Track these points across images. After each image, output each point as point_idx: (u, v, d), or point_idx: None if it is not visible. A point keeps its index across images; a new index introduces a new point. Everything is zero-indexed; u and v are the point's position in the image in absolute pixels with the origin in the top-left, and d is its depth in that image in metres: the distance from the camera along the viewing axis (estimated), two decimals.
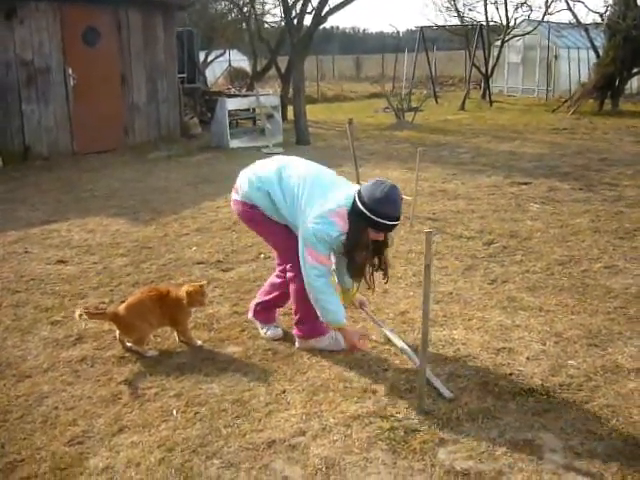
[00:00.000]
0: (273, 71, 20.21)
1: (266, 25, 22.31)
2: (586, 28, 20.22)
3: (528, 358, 3.77)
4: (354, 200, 3.57)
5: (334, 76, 33.63)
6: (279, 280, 4.15)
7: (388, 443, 3.00)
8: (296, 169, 3.85)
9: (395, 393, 3.42)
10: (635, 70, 18.86)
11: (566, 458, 2.86)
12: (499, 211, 7.09)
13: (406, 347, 3.79)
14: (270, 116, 13.28)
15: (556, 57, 23.49)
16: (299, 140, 12.95)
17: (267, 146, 12.31)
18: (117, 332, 4.00)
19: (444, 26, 25.74)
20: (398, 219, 3.61)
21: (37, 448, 3.06)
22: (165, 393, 3.50)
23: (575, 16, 20.73)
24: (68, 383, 3.66)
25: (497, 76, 25.23)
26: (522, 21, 24.97)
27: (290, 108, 15.23)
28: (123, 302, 4.20)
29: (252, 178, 3.89)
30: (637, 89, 24.07)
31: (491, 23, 24.74)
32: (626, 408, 3.23)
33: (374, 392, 3.44)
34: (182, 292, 3.96)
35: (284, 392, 3.47)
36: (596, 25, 20.44)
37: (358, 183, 7.36)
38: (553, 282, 4.96)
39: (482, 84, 23.32)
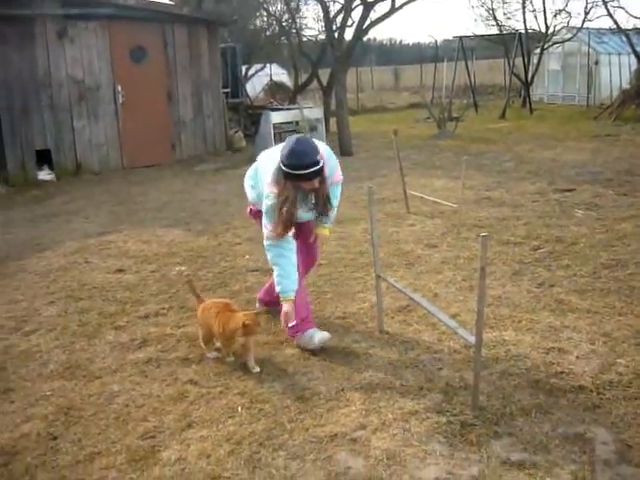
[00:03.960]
0: (313, 84, 20.47)
1: (305, 39, 22.58)
2: (627, 33, 20.09)
3: (578, 357, 3.87)
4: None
5: (373, 87, 33.79)
6: None
7: (445, 436, 3.14)
8: (261, 161, 4.25)
9: (450, 390, 3.56)
10: None
11: (617, 450, 2.97)
12: (544, 217, 7.17)
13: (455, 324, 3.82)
14: (313, 128, 13.50)
15: (597, 63, 23.33)
16: (342, 151, 13.12)
17: None
18: None
19: (483, 35, 25.76)
20: (302, 167, 3.77)
21: (112, 442, 3.26)
22: (229, 391, 3.69)
23: (615, 22, 20.52)
24: (136, 383, 3.87)
25: (537, 84, 25.14)
26: (561, 28, 24.86)
27: (332, 120, 15.41)
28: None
29: (246, 186, 4.42)
30: None
31: (530, 31, 24.71)
32: None
33: (430, 390, 3.58)
34: (238, 321, 3.90)
35: (343, 390, 3.64)
36: (637, 30, 20.29)
37: (404, 192, 7.54)
38: (600, 285, 5.05)
39: (522, 92, 23.28)
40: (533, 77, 23.62)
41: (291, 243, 4.05)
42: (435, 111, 16.76)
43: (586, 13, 23.30)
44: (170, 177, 11.32)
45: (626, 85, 19.89)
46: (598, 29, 24.13)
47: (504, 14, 25.01)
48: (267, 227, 3.98)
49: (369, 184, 4.49)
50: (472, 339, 3.26)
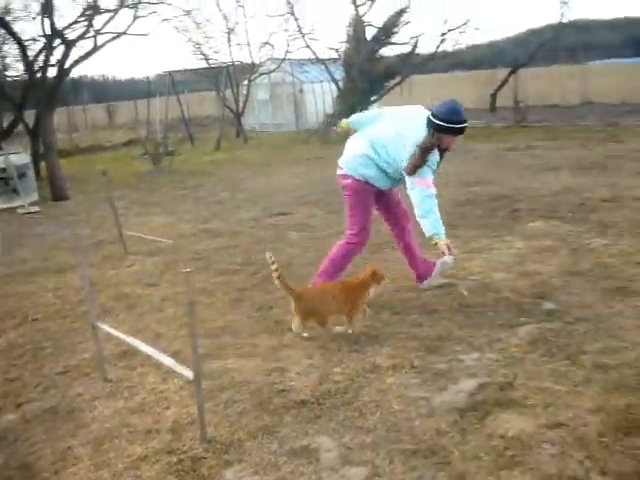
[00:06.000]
0: (21, 127, 19.39)
1: (9, 79, 21.31)
2: (325, 63, 21.64)
3: (298, 373, 4.09)
4: (429, 120, 4.67)
5: (87, 126, 32.86)
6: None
7: (177, 475, 3.14)
8: (379, 128, 4.91)
9: (178, 428, 3.56)
10: (373, 98, 20.53)
11: (340, 454, 3.18)
12: (260, 243, 7.46)
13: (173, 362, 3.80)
14: (22, 175, 12.77)
15: (301, 91, 24.88)
16: (56, 196, 12.60)
17: (23, 206, 11.86)
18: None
19: (192, 69, 26.19)
20: (459, 122, 4.64)
21: None
22: None
23: (314, 52, 22.05)
24: None
25: (248, 114, 26.13)
26: (266, 60, 26.11)
27: (43, 164, 14.72)
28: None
29: (354, 163, 4.92)
30: None
31: (237, 63, 25.62)
32: (387, 401, 3.65)
33: (158, 431, 3.56)
34: (367, 273, 4.59)
35: (69, 448, 3.48)
36: (334, 60, 21.95)
37: (120, 233, 7.41)
38: None
39: (235, 123, 24.04)
40: (244, 107, 24.52)
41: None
42: (151, 147, 16.71)
43: (287, 45, 24.71)
44: None
45: (329, 110, 21.42)
46: (300, 60, 25.73)
47: (210, 48, 25.60)
48: (425, 182, 4.66)
49: (83, 229, 4.39)
50: (190, 374, 3.30)
